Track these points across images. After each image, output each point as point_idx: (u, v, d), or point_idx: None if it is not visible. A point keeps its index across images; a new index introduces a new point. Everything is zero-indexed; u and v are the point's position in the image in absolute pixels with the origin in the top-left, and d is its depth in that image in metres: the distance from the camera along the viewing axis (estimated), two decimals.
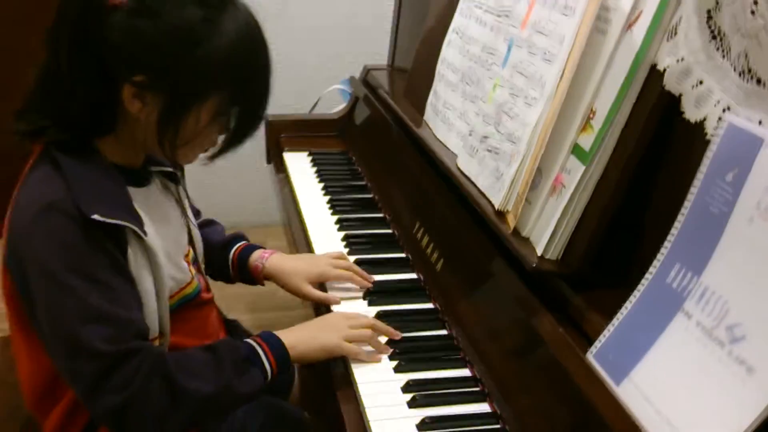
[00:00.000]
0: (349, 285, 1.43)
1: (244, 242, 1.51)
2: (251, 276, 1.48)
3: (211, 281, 1.41)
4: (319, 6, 3.08)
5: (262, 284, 1.50)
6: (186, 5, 1.03)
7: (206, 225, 1.52)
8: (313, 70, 3.16)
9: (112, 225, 1.05)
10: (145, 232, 1.10)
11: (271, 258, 1.46)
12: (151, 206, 1.18)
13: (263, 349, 1.17)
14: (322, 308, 1.40)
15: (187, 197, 1.37)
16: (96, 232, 1.04)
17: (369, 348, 1.24)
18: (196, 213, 1.52)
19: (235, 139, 1.15)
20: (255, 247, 1.49)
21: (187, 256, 1.29)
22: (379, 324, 1.28)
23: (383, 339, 1.27)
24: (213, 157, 1.17)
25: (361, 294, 1.41)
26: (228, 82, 1.08)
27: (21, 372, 1.20)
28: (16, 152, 1.13)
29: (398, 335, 1.28)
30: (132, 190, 1.14)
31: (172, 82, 1.05)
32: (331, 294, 1.41)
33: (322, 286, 1.44)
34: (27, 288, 1.07)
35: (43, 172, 1.09)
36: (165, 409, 1.05)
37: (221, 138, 1.16)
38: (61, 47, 1.05)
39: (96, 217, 1.03)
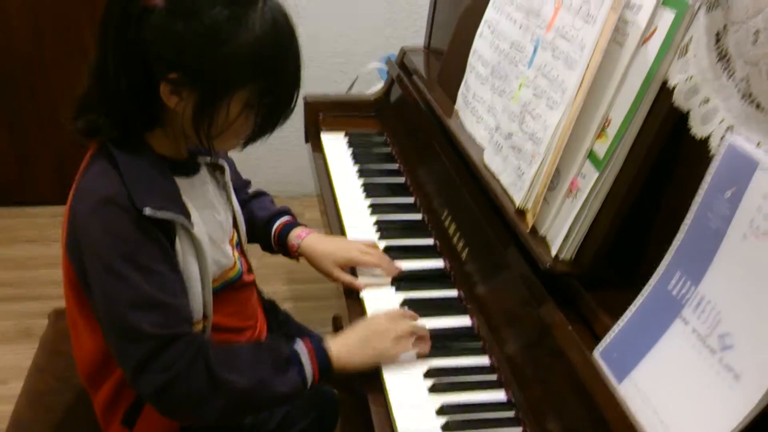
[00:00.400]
0: (377, 271, 1.50)
1: (286, 218, 1.59)
2: (289, 252, 1.57)
3: (253, 262, 1.50)
4: None
5: (297, 260, 1.58)
6: (215, 5, 1.09)
7: (256, 196, 1.62)
8: (354, 44, 3.20)
9: (162, 218, 1.14)
10: (192, 224, 1.19)
11: (306, 239, 1.54)
12: (197, 195, 1.27)
13: (308, 354, 1.23)
14: (352, 291, 1.48)
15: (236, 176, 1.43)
16: (148, 225, 1.13)
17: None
18: (246, 184, 1.62)
19: (264, 129, 1.21)
20: (294, 225, 1.58)
21: (231, 239, 1.38)
22: (420, 327, 1.31)
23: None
24: (245, 145, 1.25)
25: (388, 281, 1.49)
26: (255, 76, 1.14)
27: (76, 349, 1.31)
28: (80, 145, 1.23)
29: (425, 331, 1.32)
30: (180, 180, 1.23)
31: (202, 78, 1.12)
32: (360, 279, 1.49)
33: (353, 270, 1.52)
34: (85, 274, 1.17)
35: (100, 166, 1.18)
36: (203, 394, 1.14)
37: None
38: (107, 47, 1.13)
39: (147, 211, 1.12)
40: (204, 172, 1.32)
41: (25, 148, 3.18)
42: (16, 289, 2.77)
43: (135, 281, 1.12)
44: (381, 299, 1.44)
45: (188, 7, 1.08)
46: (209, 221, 1.28)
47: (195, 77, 1.11)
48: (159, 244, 1.15)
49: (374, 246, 1.56)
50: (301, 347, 1.23)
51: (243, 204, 1.58)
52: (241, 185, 1.61)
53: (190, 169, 1.29)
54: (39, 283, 2.76)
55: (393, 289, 1.47)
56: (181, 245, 1.19)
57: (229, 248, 1.35)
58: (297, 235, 1.55)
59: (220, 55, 1.10)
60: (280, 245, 1.57)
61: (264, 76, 1.15)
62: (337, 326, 2.22)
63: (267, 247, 1.61)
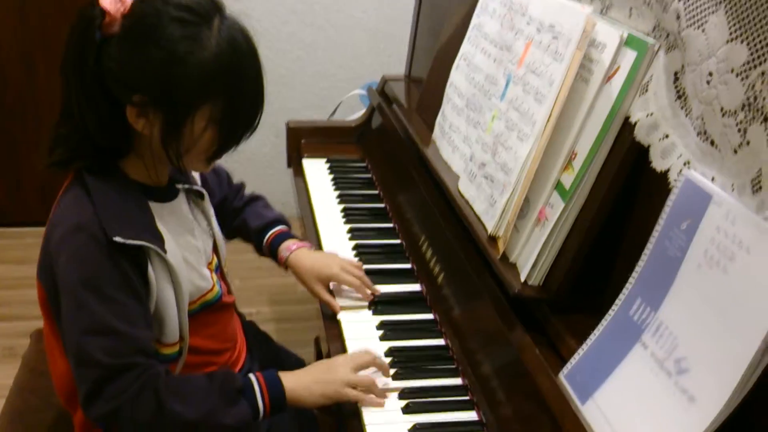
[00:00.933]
0: (358, 294, 1.55)
1: (278, 229, 1.64)
2: (278, 262, 1.63)
3: (236, 284, 1.53)
4: (344, 6, 3.17)
5: (286, 270, 1.62)
6: (169, 25, 1.12)
7: (250, 202, 1.67)
8: (338, 70, 3.26)
9: (133, 246, 1.17)
10: (165, 250, 1.21)
11: (295, 252, 1.59)
12: (175, 220, 1.31)
13: (260, 386, 1.25)
14: (327, 309, 1.54)
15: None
16: (116, 254, 1.16)
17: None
18: (239, 189, 1.68)
19: (228, 144, 1.24)
20: (286, 236, 1.62)
21: (210, 263, 1.41)
22: (384, 363, 1.34)
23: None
24: (210, 160, 1.26)
25: (366, 303, 1.53)
26: (215, 92, 1.16)
27: (53, 370, 1.34)
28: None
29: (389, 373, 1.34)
30: (157, 206, 1.27)
31: (164, 98, 1.15)
32: (338, 300, 1.53)
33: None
34: (56, 297, 1.20)
35: (74, 194, 1.21)
36: (149, 423, 1.16)
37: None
38: (70, 80, 1.17)
39: (118, 239, 1.15)
40: (182, 198, 1.36)
41: (14, 170, 3.24)
42: (2, 308, 2.79)
43: (93, 308, 1.15)
44: (358, 321, 1.49)
45: (144, 31, 1.12)
46: (185, 246, 1.31)
47: (158, 97, 1.15)
48: (124, 273, 1.17)
49: (359, 267, 1.60)
50: (254, 379, 1.26)
51: (238, 211, 1.64)
52: (234, 192, 1.66)
53: (166, 194, 1.32)
54: (23, 302, 2.77)
55: (370, 312, 1.52)
56: (155, 271, 1.21)
57: (207, 272, 1.38)
58: (287, 248, 1.60)
59: (178, 73, 1.13)
60: (272, 253, 1.63)
61: (224, 91, 1.17)
62: (319, 347, 2.25)
63: (260, 253, 1.67)
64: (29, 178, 3.24)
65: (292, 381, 1.27)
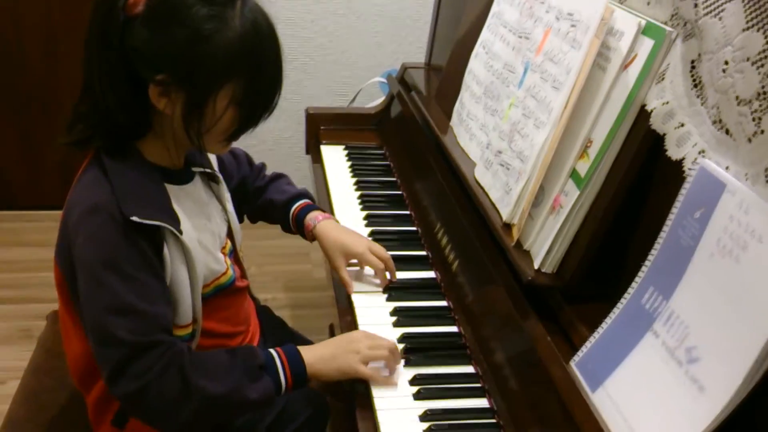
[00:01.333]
0: (376, 279, 1.56)
1: (303, 201, 1.65)
2: (304, 233, 1.63)
3: (253, 270, 1.54)
4: None
5: (311, 241, 1.63)
6: (193, 5, 1.13)
7: (273, 180, 1.68)
8: (359, 58, 3.27)
9: (150, 225, 1.18)
10: (180, 231, 1.22)
11: (322, 223, 1.59)
12: (189, 203, 1.32)
13: (282, 361, 1.26)
14: (341, 296, 1.55)
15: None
16: (134, 232, 1.17)
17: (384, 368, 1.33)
18: (260, 170, 1.69)
19: (247, 125, 1.25)
20: (312, 208, 1.63)
21: (224, 248, 1.43)
22: (397, 350, 1.35)
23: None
24: (228, 140, 1.28)
25: (380, 289, 1.54)
26: (238, 71, 1.18)
27: (68, 350, 1.36)
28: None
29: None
30: (173, 188, 1.28)
31: (188, 76, 1.16)
32: (354, 284, 1.54)
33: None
34: (74, 278, 1.22)
35: (92, 174, 1.22)
36: (175, 400, 1.18)
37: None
38: (93, 61, 1.18)
39: (135, 218, 1.16)
40: (198, 181, 1.37)
41: (35, 156, 3.28)
42: (20, 291, 2.83)
43: (115, 288, 1.16)
44: (372, 307, 1.49)
45: (169, 10, 1.14)
46: (200, 228, 1.32)
47: (181, 76, 1.16)
48: (143, 252, 1.19)
49: (383, 251, 1.59)
50: (275, 354, 1.27)
51: (261, 190, 1.64)
52: (255, 173, 1.67)
53: (183, 177, 1.33)
54: (41, 285, 2.80)
55: (384, 298, 1.52)
56: (170, 251, 1.22)
57: (221, 255, 1.39)
58: (314, 217, 1.60)
59: (203, 52, 1.14)
60: (298, 226, 1.63)
61: (246, 71, 1.19)
62: (333, 335, 2.26)
63: (286, 229, 1.67)
64: (48, 161, 3.27)
65: (312, 356, 1.29)
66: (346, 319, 1.48)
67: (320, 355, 1.30)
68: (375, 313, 1.47)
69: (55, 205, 3.19)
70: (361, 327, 1.43)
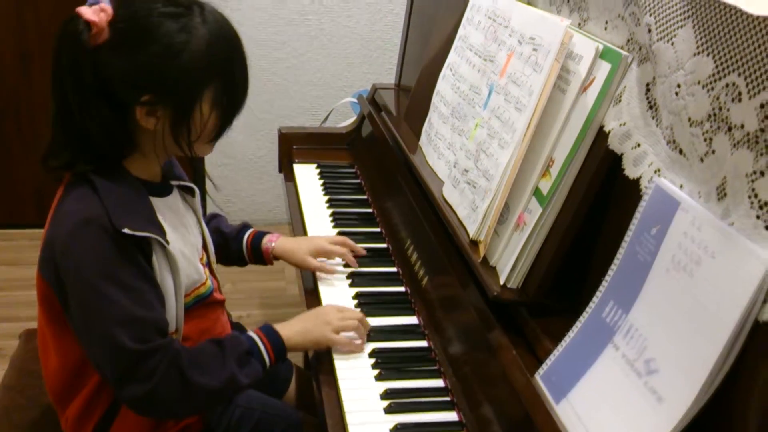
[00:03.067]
0: (340, 285, 1.64)
1: (253, 229, 1.73)
2: (263, 258, 1.71)
3: (228, 287, 1.58)
4: (337, 16, 3.22)
5: (272, 264, 1.73)
6: (162, 22, 1.18)
7: (213, 218, 1.73)
8: (331, 78, 3.31)
9: (140, 237, 1.21)
10: (167, 241, 1.26)
11: (278, 241, 1.70)
12: (171, 214, 1.36)
13: (263, 342, 1.34)
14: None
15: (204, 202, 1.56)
16: (126, 244, 1.21)
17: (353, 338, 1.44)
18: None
19: (226, 124, 1.31)
20: (263, 234, 1.72)
21: (201, 258, 1.45)
22: (365, 319, 1.46)
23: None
24: (214, 139, 1.33)
25: (352, 308, 1.57)
26: (215, 75, 1.24)
27: (47, 367, 1.37)
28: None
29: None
30: (156, 201, 1.31)
31: (172, 92, 1.21)
32: (325, 296, 1.61)
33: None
34: (63, 292, 1.24)
35: (79, 191, 1.25)
36: (178, 399, 1.24)
37: None
38: (67, 91, 1.20)
39: (126, 231, 1.19)
40: (176, 194, 1.41)
41: (8, 172, 3.27)
42: None
43: (115, 298, 1.20)
44: None
45: (139, 32, 1.18)
46: (181, 239, 1.36)
47: (166, 93, 1.20)
48: (136, 261, 1.23)
49: (341, 241, 1.72)
50: (257, 337, 1.35)
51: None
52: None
53: (163, 190, 1.37)
54: (14, 304, 2.80)
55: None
56: (158, 261, 1.26)
57: (200, 265, 1.43)
58: (269, 240, 1.70)
59: (181, 66, 1.19)
60: (254, 253, 1.71)
61: (221, 72, 1.25)
62: (308, 362, 2.28)
63: (238, 260, 1.73)
64: (23, 179, 3.26)
65: (288, 332, 1.38)
66: None
67: (296, 330, 1.39)
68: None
69: (29, 223, 3.21)
70: None
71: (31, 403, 1.57)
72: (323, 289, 1.63)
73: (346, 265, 1.70)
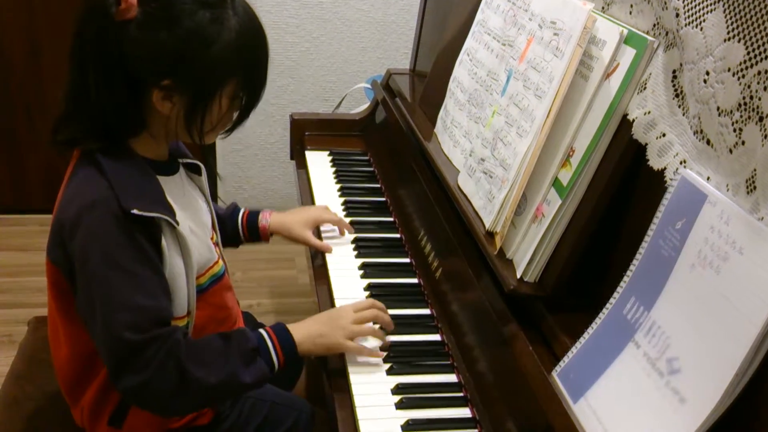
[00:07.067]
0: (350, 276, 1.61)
1: (246, 208, 1.73)
2: (259, 235, 1.71)
3: (238, 275, 1.55)
4: (351, 0, 3.17)
5: (268, 241, 1.73)
6: (196, 11, 1.15)
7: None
8: (345, 64, 3.26)
9: (149, 217, 1.18)
10: (177, 222, 1.23)
11: (272, 216, 1.71)
12: (179, 193, 1.33)
13: (273, 342, 1.29)
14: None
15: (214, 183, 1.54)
16: (133, 226, 1.18)
17: (370, 342, 1.39)
18: None
19: (243, 117, 1.30)
20: (257, 212, 1.72)
21: (211, 237, 1.43)
22: (382, 314, 1.41)
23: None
24: (229, 132, 1.32)
25: (362, 290, 1.55)
26: (238, 68, 1.21)
27: (58, 357, 1.35)
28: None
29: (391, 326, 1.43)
30: (163, 179, 1.28)
31: (195, 80, 1.19)
32: (337, 291, 1.57)
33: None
34: (72, 275, 1.22)
35: (86, 172, 1.22)
36: (174, 392, 1.20)
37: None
38: (86, 65, 1.17)
39: (135, 211, 1.16)
40: (182, 172, 1.38)
41: (17, 158, 3.26)
42: (1, 295, 2.80)
43: (116, 284, 1.17)
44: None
45: (167, 15, 1.14)
46: (191, 218, 1.33)
47: (188, 81, 1.18)
48: (142, 246, 1.19)
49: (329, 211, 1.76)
50: (266, 335, 1.30)
51: None
52: None
53: (170, 168, 1.34)
54: (24, 290, 2.79)
55: None
56: (167, 243, 1.23)
57: (211, 244, 1.40)
58: (264, 217, 1.71)
59: (209, 56, 1.17)
60: (250, 232, 1.70)
61: (245, 66, 1.23)
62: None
63: (232, 241, 1.71)
64: (32, 166, 3.25)
65: (300, 335, 1.32)
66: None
67: (308, 333, 1.33)
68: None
69: (38, 208, 3.20)
70: None
71: (41, 392, 1.55)
72: (335, 281, 1.59)
73: (357, 255, 1.67)
